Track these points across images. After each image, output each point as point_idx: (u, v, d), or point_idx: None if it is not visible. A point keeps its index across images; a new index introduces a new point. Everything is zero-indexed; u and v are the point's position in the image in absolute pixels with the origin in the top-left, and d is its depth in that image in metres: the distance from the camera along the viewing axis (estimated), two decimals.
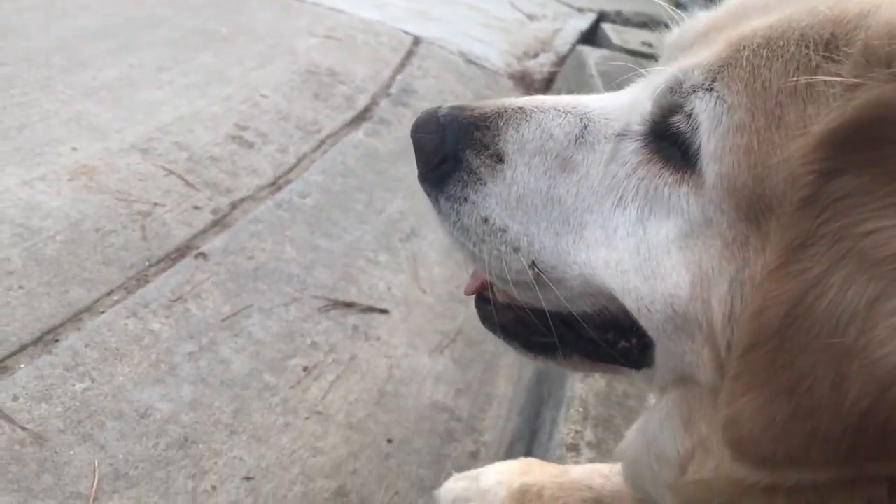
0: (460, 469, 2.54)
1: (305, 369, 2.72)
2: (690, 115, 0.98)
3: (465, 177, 1.14)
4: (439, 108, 1.19)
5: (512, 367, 3.10)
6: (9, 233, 2.80)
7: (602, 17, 9.64)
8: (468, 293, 1.33)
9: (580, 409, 2.13)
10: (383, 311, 3.17)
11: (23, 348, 2.38)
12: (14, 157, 3.25)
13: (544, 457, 2.03)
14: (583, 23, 9.02)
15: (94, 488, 2.04)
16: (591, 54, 6.65)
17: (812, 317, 0.78)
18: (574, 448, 2.00)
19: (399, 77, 5.74)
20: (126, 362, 2.47)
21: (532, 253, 1.11)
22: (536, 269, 1.10)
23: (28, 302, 2.54)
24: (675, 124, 1.01)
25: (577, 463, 1.96)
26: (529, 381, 2.82)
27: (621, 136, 1.09)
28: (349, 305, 3.13)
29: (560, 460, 1.97)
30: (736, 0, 1.11)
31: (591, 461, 1.97)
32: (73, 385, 2.32)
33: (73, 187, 3.16)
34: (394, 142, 4.68)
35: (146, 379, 2.44)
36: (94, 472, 2.09)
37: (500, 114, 1.17)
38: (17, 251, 2.73)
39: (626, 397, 2.22)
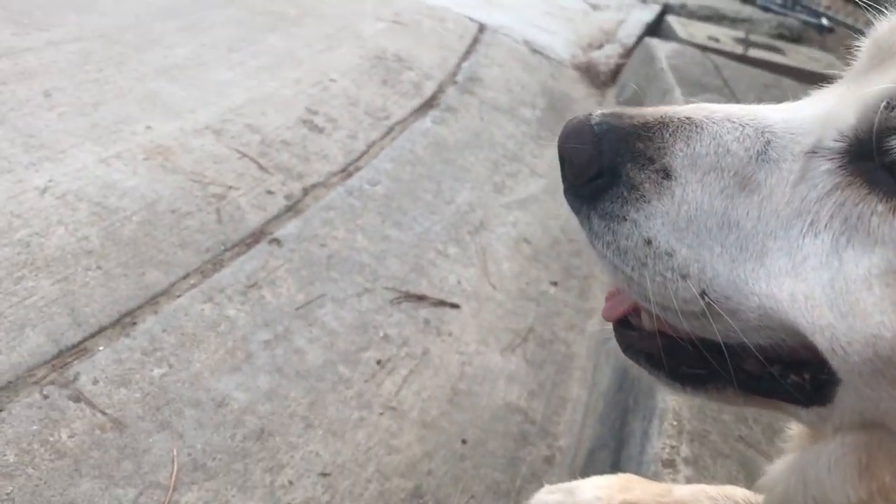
0: (535, 474, 2.48)
1: (379, 362, 2.67)
2: None
3: (626, 193, 1.01)
4: (590, 115, 1.06)
5: (585, 371, 3.02)
6: (87, 211, 2.78)
7: (667, 8, 9.44)
8: (609, 319, 1.19)
9: (674, 423, 2.04)
10: (454, 306, 3.10)
11: (101, 330, 2.36)
12: (91, 134, 3.24)
13: (637, 471, 1.94)
14: (647, 14, 8.85)
15: (173, 478, 2.01)
16: (660, 47, 6.49)
17: None
18: (670, 464, 1.91)
19: (465, 64, 5.66)
20: (203, 349, 2.43)
21: (703, 281, 0.99)
22: (708, 298, 0.98)
23: (106, 283, 2.52)
24: (893, 148, 0.88)
25: (674, 480, 1.87)
26: (608, 387, 2.73)
27: (812, 153, 0.96)
28: (420, 298, 3.07)
29: (655, 476, 1.89)
30: None
31: (689, 479, 1.89)
32: (152, 370, 2.29)
33: (148, 167, 3.14)
34: (461, 131, 4.61)
35: (223, 366, 2.40)
36: (173, 461, 2.06)
37: (664, 123, 1.03)
38: (94, 230, 2.71)
39: (720, 412, 2.12)
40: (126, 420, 2.12)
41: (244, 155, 3.46)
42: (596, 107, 6.14)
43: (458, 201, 3.88)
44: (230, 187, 3.21)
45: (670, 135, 1.02)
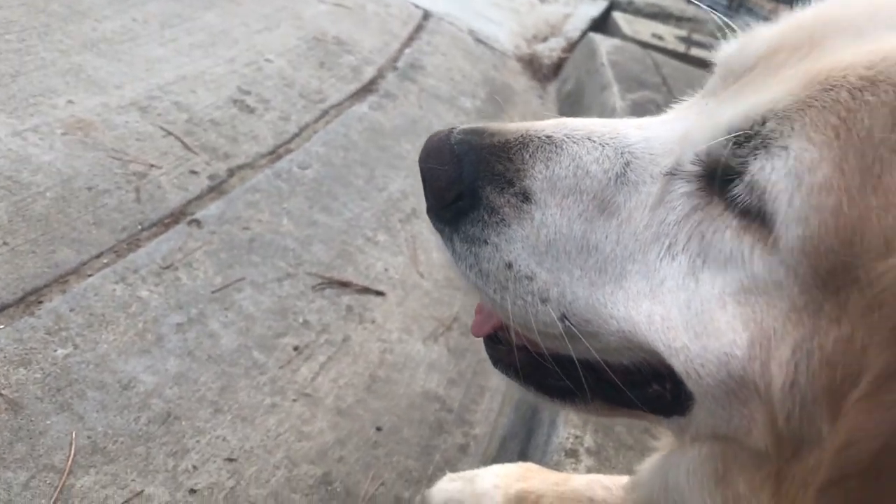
0: (449, 462, 2.48)
1: (296, 349, 2.63)
2: (762, 168, 0.84)
3: (486, 216, 1.00)
4: (451, 132, 1.04)
5: None
6: None
7: (613, 5, 9.52)
8: (477, 335, 1.19)
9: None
10: (379, 293, 3.08)
11: (3, 308, 2.28)
12: (6, 106, 3.12)
13: (541, 460, 1.96)
14: (594, 9, 8.90)
15: (69, 461, 1.95)
16: (603, 43, 6.54)
17: None
18: (573, 454, 1.92)
19: (407, 51, 5.63)
20: (111, 330, 2.37)
21: (563, 305, 0.98)
22: (568, 322, 0.98)
23: (12, 259, 2.44)
24: (741, 175, 0.87)
25: (575, 469, 1.89)
26: None
27: (671, 175, 0.96)
28: (345, 285, 3.04)
29: (558, 465, 1.90)
30: (809, 14, 0.96)
31: (590, 469, 1.90)
32: (55, 350, 2.22)
33: (66, 142, 3.05)
34: (399, 117, 4.58)
35: (131, 348, 2.35)
36: (71, 444, 2.00)
37: (524, 143, 1.02)
38: (3, 205, 2.61)
39: None
40: (23, 401, 2.05)
41: (169, 133, 3.37)
42: (537, 99, 6.17)
43: (392, 189, 3.85)
44: (152, 166, 3.13)
45: (530, 156, 1.01)
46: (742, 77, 0.97)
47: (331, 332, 2.78)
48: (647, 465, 1.22)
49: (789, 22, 0.97)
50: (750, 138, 0.86)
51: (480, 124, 1.07)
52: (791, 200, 0.81)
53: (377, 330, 2.90)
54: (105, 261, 2.60)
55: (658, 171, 0.97)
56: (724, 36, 1.09)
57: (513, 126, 1.06)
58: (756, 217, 0.86)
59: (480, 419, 2.71)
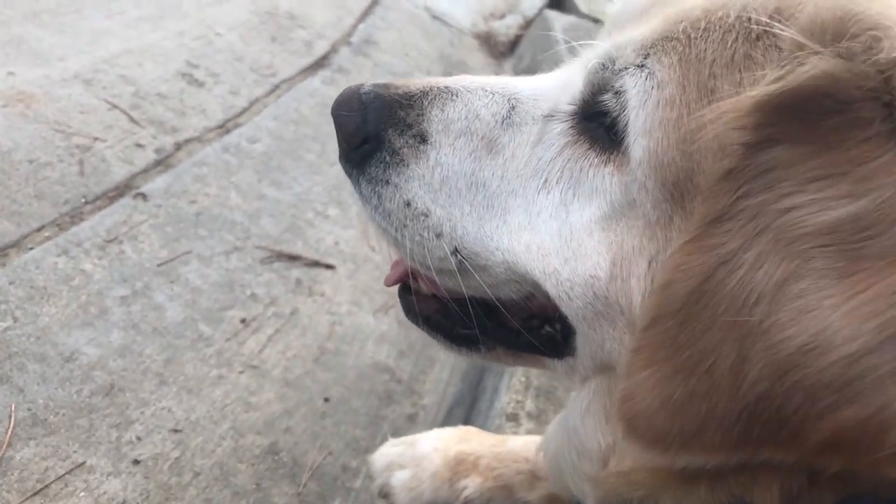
0: (397, 432, 2.50)
1: (243, 321, 2.63)
2: (620, 92, 0.93)
3: (388, 158, 1.07)
4: (362, 85, 1.12)
5: None
6: None
7: None
8: (389, 284, 1.25)
9: (522, 379, 2.09)
10: (329, 267, 3.08)
11: None
12: None
13: (483, 425, 1.98)
14: None
15: (8, 433, 1.93)
16: (558, 19, 6.55)
17: (720, 294, 0.74)
18: (514, 418, 1.95)
19: (361, 26, 5.59)
20: (53, 303, 2.34)
21: (455, 239, 1.05)
22: (459, 256, 1.05)
23: None
24: (604, 102, 0.96)
25: (515, 433, 1.92)
26: None
27: (549, 117, 1.04)
28: (294, 258, 3.03)
29: (499, 429, 1.93)
30: None
31: (530, 431, 1.93)
32: None
33: (6, 114, 2.98)
34: None
35: (74, 321, 2.32)
36: (10, 416, 1.98)
37: (425, 93, 1.10)
38: None
39: None
40: None
41: (115, 106, 3.32)
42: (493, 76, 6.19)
43: None
44: (96, 139, 3.08)
45: (428, 103, 1.09)
46: (622, 29, 1.05)
47: (279, 305, 2.77)
48: (551, 424, 1.26)
49: None
50: (615, 61, 0.95)
51: (389, 80, 1.15)
52: (639, 113, 0.90)
53: (326, 303, 2.90)
54: (47, 234, 2.57)
55: (539, 114, 1.06)
56: None
57: (417, 80, 1.14)
58: (614, 140, 0.94)
59: (429, 389, 2.74)
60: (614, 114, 0.94)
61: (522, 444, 1.66)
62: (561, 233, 0.98)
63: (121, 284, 2.52)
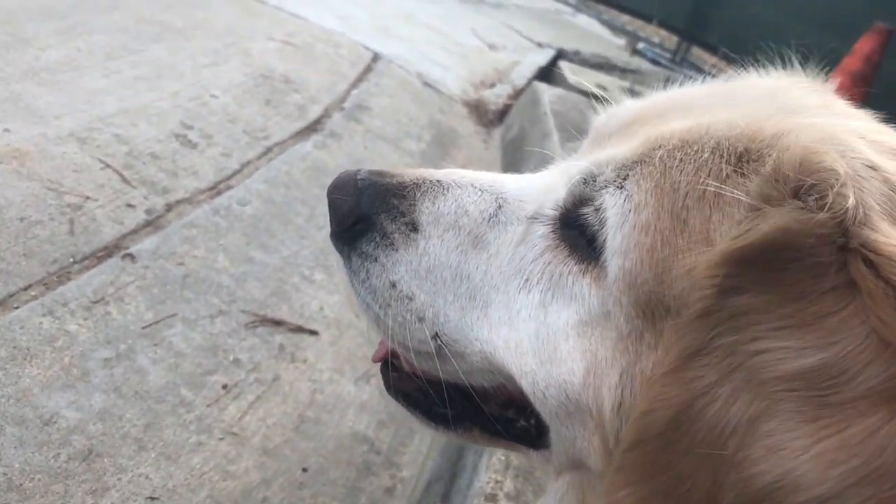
0: None
1: (225, 387, 2.63)
2: (599, 209, 1.00)
3: (378, 239, 1.13)
4: (358, 171, 1.19)
5: None
6: None
7: (560, 54, 9.77)
8: (375, 360, 1.30)
9: (502, 458, 2.10)
10: (313, 333, 3.10)
11: None
12: None
13: None
14: (541, 58, 9.13)
15: None
16: (546, 91, 6.71)
17: (697, 424, 0.79)
18: (492, 498, 1.96)
19: (354, 92, 5.70)
20: (36, 363, 2.34)
21: (436, 325, 1.10)
22: (439, 341, 1.10)
23: None
24: (584, 216, 1.02)
25: None
26: None
27: (533, 219, 1.10)
28: (278, 323, 3.05)
29: None
30: (663, 96, 1.15)
31: None
32: None
33: (0, 171, 3.01)
34: (343, 157, 4.63)
35: (55, 383, 2.32)
36: None
37: (418, 184, 1.17)
38: None
39: None
40: None
41: (108, 165, 3.36)
42: (481, 144, 6.28)
43: None
44: (88, 198, 3.11)
45: (421, 195, 1.16)
46: (604, 141, 1.13)
47: (261, 371, 2.78)
48: None
49: (648, 99, 1.16)
50: (596, 178, 1.02)
51: (384, 168, 1.22)
52: (616, 234, 0.96)
53: (309, 370, 2.91)
54: (33, 293, 2.58)
55: (524, 215, 1.12)
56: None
57: (410, 171, 1.21)
58: (592, 252, 1.00)
59: (408, 461, 2.73)
60: (593, 228, 1.00)
61: None
62: (539, 334, 1.03)
63: (105, 346, 2.52)
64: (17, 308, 2.49)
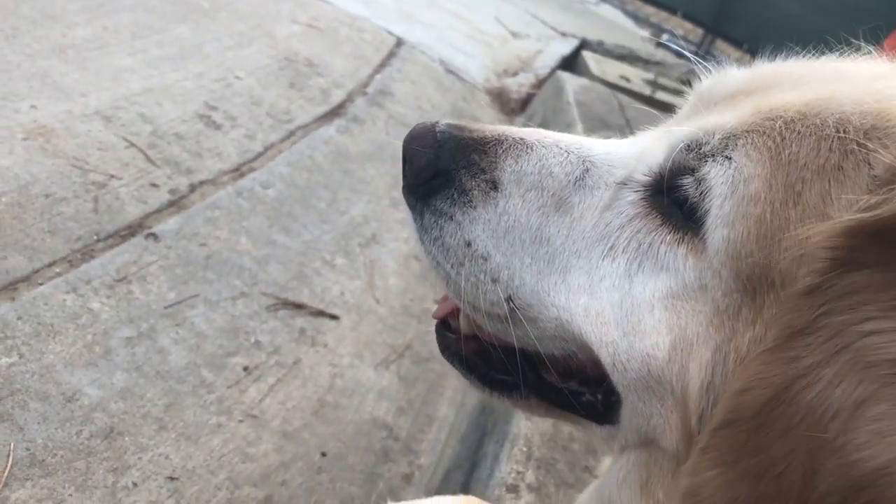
0: (392, 491, 2.49)
1: (245, 369, 2.63)
2: (703, 178, 0.95)
3: (456, 196, 1.09)
4: (437, 123, 1.14)
5: (456, 391, 3.05)
6: None
7: (584, 44, 9.68)
8: (436, 317, 1.27)
9: (524, 449, 2.08)
10: (333, 317, 3.09)
11: None
12: None
13: (483, 493, 1.97)
14: (565, 47, 9.06)
15: (5, 473, 1.92)
16: (570, 81, 6.65)
17: (795, 406, 0.75)
18: (514, 489, 1.94)
19: (378, 77, 5.67)
20: (59, 340, 2.35)
21: (510, 287, 1.06)
22: (512, 304, 1.06)
23: None
24: (685, 186, 0.97)
25: None
26: (473, 408, 2.77)
27: (622, 184, 1.05)
28: (299, 307, 3.04)
29: (499, 500, 1.92)
30: (769, 67, 1.09)
31: None
32: None
33: (26, 147, 3.02)
34: (365, 142, 4.61)
35: (78, 360, 2.32)
36: (9, 455, 1.97)
37: (499, 141, 1.12)
38: None
39: (571, 441, 2.17)
40: None
41: (132, 144, 3.36)
42: None
43: (353, 212, 3.87)
44: (112, 176, 3.11)
45: (503, 151, 1.11)
46: (706, 110, 1.07)
47: (282, 354, 2.77)
48: (583, 495, 1.25)
49: (752, 70, 1.10)
50: (701, 146, 0.97)
51: (463, 122, 1.16)
52: (723, 204, 0.91)
53: (329, 354, 2.90)
54: (57, 270, 2.58)
55: (612, 180, 1.06)
56: (689, 83, 1.20)
57: (491, 126, 1.16)
58: (689, 222, 0.96)
59: (427, 449, 2.73)
60: (694, 198, 0.95)
61: None
62: (622, 304, 0.99)
63: (127, 325, 2.52)
64: (41, 284, 2.49)
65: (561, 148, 1.11)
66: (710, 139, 0.96)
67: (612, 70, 8.25)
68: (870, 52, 1.08)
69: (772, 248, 0.87)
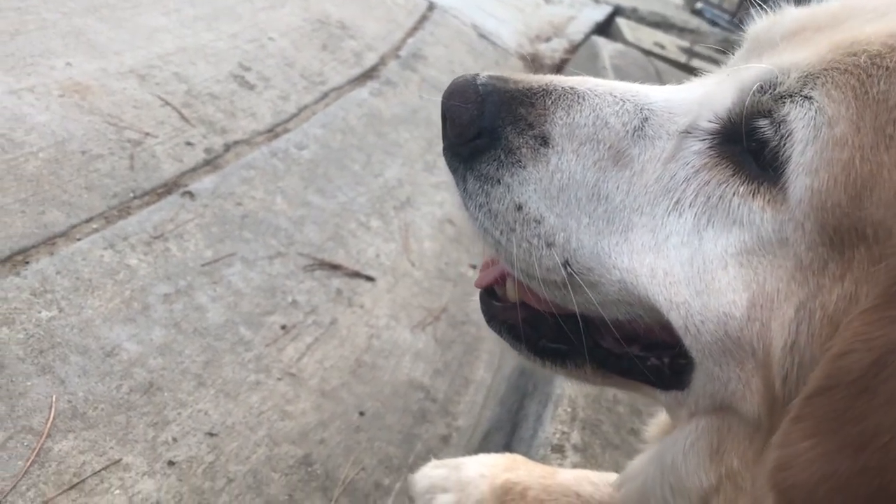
0: (430, 452, 2.46)
1: (283, 328, 2.60)
2: (781, 121, 0.87)
3: (502, 156, 1.00)
4: (478, 75, 1.04)
5: (492, 354, 3.01)
6: None
7: (617, 11, 9.52)
8: (479, 286, 1.19)
9: (568, 410, 2.04)
10: (369, 279, 3.06)
11: None
12: (3, 63, 3.07)
13: (526, 454, 1.94)
14: (598, 14, 8.91)
15: (48, 424, 1.92)
16: (606, 46, 6.53)
17: None
18: (559, 449, 1.91)
19: (410, 40, 5.59)
20: (98, 295, 2.33)
21: (567, 251, 0.98)
22: (570, 269, 0.98)
23: (0, 218, 2.39)
24: (761, 129, 0.89)
25: (561, 465, 1.87)
26: (511, 371, 2.73)
27: (686, 133, 0.97)
28: (335, 268, 3.01)
29: (543, 460, 1.88)
30: (836, 2, 0.99)
31: (576, 465, 1.89)
32: (39, 312, 2.18)
33: (62, 104, 3.00)
34: (398, 105, 4.55)
35: (117, 316, 2.31)
36: (51, 407, 1.96)
37: (548, 91, 1.02)
38: None
39: (616, 403, 2.13)
40: (4, 361, 2.01)
41: (167, 103, 3.33)
42: None
43: (387, 175, 3.83)
44: (147, 134, 3.08)
45: (552, 103, 1.02)
46: (767, 51, 0.99)
47: (319, 314, 2.75)
48: (638, 460, 1.21)
49: (817, 6, 1.00)
50: (776, 86, 0.89)
51: (505, 73, 1.07)
52: (805, 150, 0.84)
53: (365, 315, 2.87)
54: (95, 226, 2.56)
55: (675, 129, 0.98)
56: (726, 51, 1.13)
57: (536, 76, 1.06)
58: (766, 171, 0.88)
59: (464, 411, 2.70)
60: (772, 144, 0.88)
61: (573, 479, 1.61)
62: (693, 261, 0.92)
63: (164, 282, 2.51)
64: (79, 240, 2.48)
65: (615, 96, 1.02)
66: (785, 78, 0.88)
67: (647, 37, 8.10)
68: None
69: (863, 197, 0.79)
